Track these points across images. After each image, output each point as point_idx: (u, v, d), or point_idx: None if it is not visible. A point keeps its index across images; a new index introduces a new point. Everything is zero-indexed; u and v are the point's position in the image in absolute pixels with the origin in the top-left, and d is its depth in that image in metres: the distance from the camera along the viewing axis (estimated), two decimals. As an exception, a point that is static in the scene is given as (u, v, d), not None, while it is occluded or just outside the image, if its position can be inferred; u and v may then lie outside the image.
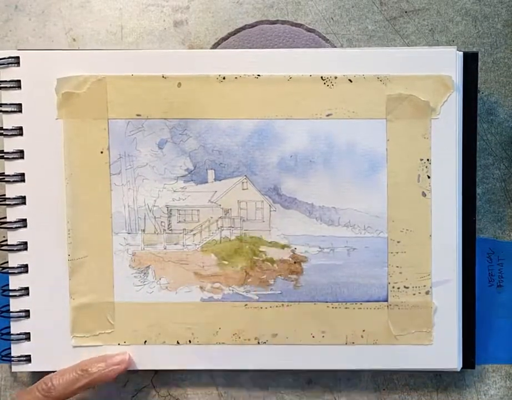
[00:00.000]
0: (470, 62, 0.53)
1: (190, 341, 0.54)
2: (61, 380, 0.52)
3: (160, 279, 0.54)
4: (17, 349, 0.54)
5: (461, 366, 0.54)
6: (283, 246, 0.54)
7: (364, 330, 0.53)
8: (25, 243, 0.54)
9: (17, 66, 0.53)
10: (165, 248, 0.54)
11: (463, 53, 0.52)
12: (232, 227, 0.54)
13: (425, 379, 0.56)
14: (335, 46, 0.55)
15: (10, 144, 0.53)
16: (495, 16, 0.56)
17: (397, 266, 0.53)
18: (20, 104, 0.53)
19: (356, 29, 0.56)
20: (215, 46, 0.56)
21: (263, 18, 0.56)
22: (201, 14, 0.56)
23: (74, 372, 0.52)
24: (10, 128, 0.53)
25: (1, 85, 0.53)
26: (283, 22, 0.56)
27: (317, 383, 0.56)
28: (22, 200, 0.54)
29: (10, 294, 0.54)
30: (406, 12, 0.56)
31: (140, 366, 0.54)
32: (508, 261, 0.56)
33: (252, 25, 0.56)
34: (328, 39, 0.56)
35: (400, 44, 0.55)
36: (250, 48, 0.55)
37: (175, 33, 0.56)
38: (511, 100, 0.56)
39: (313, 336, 0.54)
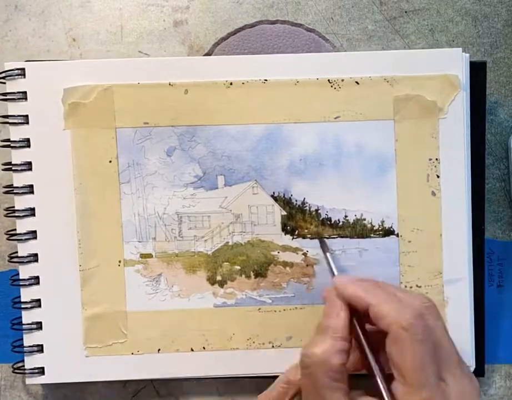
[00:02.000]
0: (479, 69, 0.53)
1: (204, 347, 0.54)
2: None
3: (172, 286, 0.54)
4: (30, 362, 0.54)
5: (475, 366, 0.54)
6: (295, 250, 0.54)
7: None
8: (36, 255, 0.54)
9: (23, 77, 0.53)
10: (176, 255, 0.54)
11: (472, 62, 0.53)
12: (244, 232, 0.54)
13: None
14: (335, 46, 0.56)
15: (18, 156, 0.53)
16: (495, 16, 0.56)
17: (409, 266, 0.53)
18: (27, 116, 0.53)
19: (356, 29, 0.56)
20: (215, 46, 0.56)
21: (263, 18, 0.56)
22: (201, 14, 0.56)
23: (280, 388, 0.50)
24: (18, 139, 0.53)
25: (8, 97, 0.53)
26: (283, 22, 0.56)
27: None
28: (31, 211, 0.53)
29: (22, 306, 0.54)
30: (406, 12, 0.56)
31: (154, 375, 0.54)
32: (508, 261, 0.56)
33: (252, 25, 0.56)
34: (328, 39, 0.56)
35: (400, 44, 0.56)
36: (250, 48, 0.55)
37: (175, 33, 0.56)
38: (511, 100, 0.56)
39: (327, 338, 0.54)
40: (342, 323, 0.45)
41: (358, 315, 0.46)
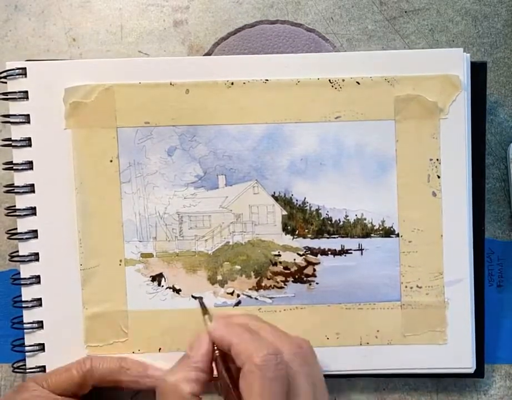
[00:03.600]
0: (479, 69, 0.53)
1: None
2: (102, 365, 0.52)
3: (173, 285, 0.54)
4: (31, 360, 0.54)
5: (475, 367, 0.54)
6: (295, 250, 0.54)
7: (378, 331, 0.54)
8: (37, 254, 0.54)
9: (24, 77, 0.53)
10: (177, 255, 0.54)
11: (472, 62, 0.53)
12: (244, 232, 0.54)
13: (425, 379, 0.56)
14: (335, 46, 0.56)
15: (19, 155, 0.53)
16: (495, 16, 0.56)
17: (409, 266, 0.53)
18: (28, 115, 0.53)
19: (356, 29, 0.56)
20: (215, 46, 0.56)
21: (263, 18, 0.56)
22: (201, 14, 0.56)
23: (118, 363, 0.52)
24: (19, 139, 0.53)
25: (9, 97, 0.53)
26: (283, 22, 0.56)
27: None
28: (32, 211, 0.53)
29: (23, 305, 0.54)
30: (406, 12, 0.56)
31: (155, 374, 0.54)
32: (508, 261, 0.56)
33: (252, 25, 0.56)
34: (328, 39, 0.56)
35: (400, 44, 0.56)
36: (250, 48, 0.55)
37: (175, 32, 0.56)
38: (511, 100, 0.56)
39: (328, 338, 0.54)
40: (200, 354, 0.47)
41: (225, 356, 0.47)
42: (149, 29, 0.56)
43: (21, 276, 0.54)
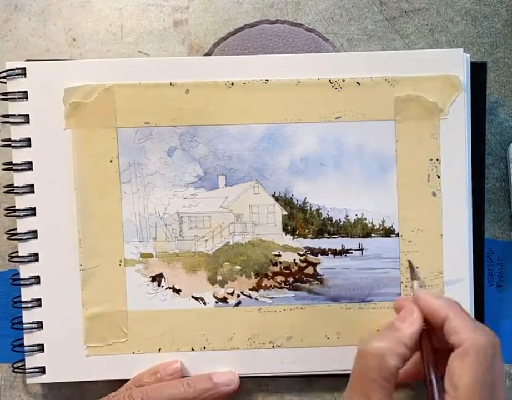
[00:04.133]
0: (479, 69, 0.53)
1: (204, 347, 0.54)
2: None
3: (173, 286, 0.54)
4: (31, 361, 0.54)
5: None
6: (295, 250, 0.54)
7: (378, 330, 0.54)
8: (36, 254, 0.53)
9: (24, 77, 0.53)
10: (177, 255, 0.54)
11: (472, 63, 0.53)
12: (244, 232, 0.54)
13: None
14: (335, 46, 0.56)
15: (18, 156, 0.53)
16: (495, 16, 0.56)
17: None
18: (27, 115, 0.53)
19: (356, 29, 0.56)
20: (215, 46, 0.56)
21: (263, 18, 0.56)
22: (201, 14, 0.56)
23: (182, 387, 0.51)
24: (18, 139, 0.53)
25: (9, 97, 0.53)
26: (283, 22, 0.56)
27: (317, 383, 0.56)
28: (32, 211, 0.53)
29: (23, 305, 0.54)
30: (406, 12, 0.56)
31: (155, 374, 0.54)
32: (508, 261, 0.56)
33: (252, 25, 0.56)
34: (328, 39, 0.56)
35: (400, 44, 0.56)
36: (250, 48, 0.55)
37: (175, 32, 0.56)
38: (511, 100, 0.56)
39: (328, 338, 0.54)
40: (411, 332, 0.45)
41: (427, 331, 0.47)
42: (149, 29, 0.56)
43: (21, 277, 0.54)
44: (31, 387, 0.56)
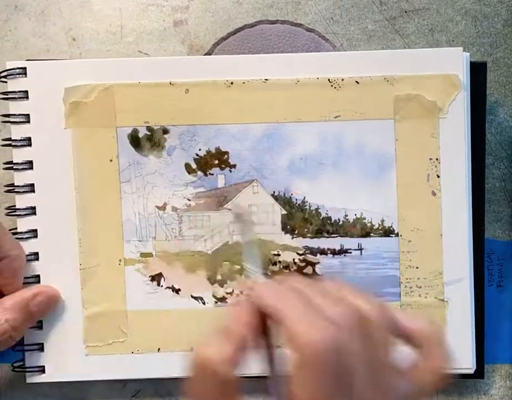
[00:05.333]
0: (479, 69, 0.53)
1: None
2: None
3: (172, 285, 0.54)
4: (31, 360, 0.54)
5: (475, 366, 0.53)
6: (295, 249, 0.54)
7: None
8: (36, 253, 0.54)
9: (24, 77, 0.53)
10: (176, 255, 0.54)
11: (472, 62, 0.53)
12: (244, 231, 0.54)
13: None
14: (335, 46, 0.56)
15: (19, 155, 0.53)
16: (495, 16, 0.56)
17: (409, 266, 0.53)
18: (28, 115, 0.53)
19: (356, 29, 0.56)
20: (215, 46, 0.56)
21: (263, 18, 0.56)
22: (201, 13, 0.56)
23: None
24: (19, 138, 0.53)
25: (9, 96, 0.53)
26: (283, 22, 0.56)
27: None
28: (32, 210, 0.53)
29: (23, 304, 0.54)
30: (406, 12, 0.56)
31: (154, 375, 0.54)
32: (508, 261, 0.56)
33: (252, 25, 0.56)
34: (328, 39, 0.56)
35: (400, 44, 0.56)
36: (250, 48, 0.55)
37: (174, 32, 0.56)
38: (511, 100, 0.56)
39: (327, 338, 0.54)
40: (246, 332, 0.38)
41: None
42: (149, 29, 0.56)
43: (21, 276, 0.54)
44: (32, 387, 0.56)
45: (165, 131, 0.53)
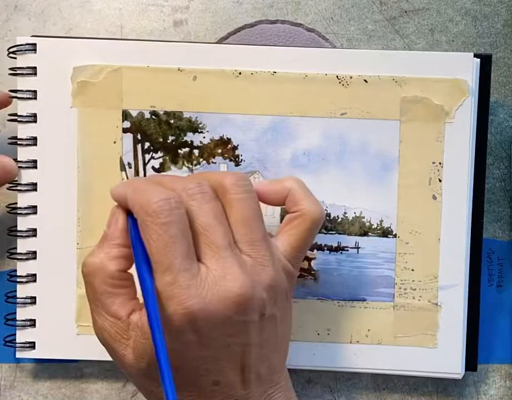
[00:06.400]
0: (484, 64, 0.53)
1: None
2: None
3: (168, 271, 0.54)
4: (22, 335, 0.54)
5: (464, 372, 0.53)
6: (292, 243, 0.54)
7: (369, 330, 0.53)
8: (35, 230, 0.54)
9: (34, 53, 0.53)
10: (174, 240, 0.54)
11: (477, 55, 0.53)
12: (243, 222, 0.54)
13: (425, 379, 0.56)
14: (335, 46, 0.56)
15: (24, 131, 0.53)
16: (495, 16, 0.56)
17: (404, 268, 0.53)
18: (35, 91, 0.53)
19: (356, 29, 0.56)
20: (214, 46, 0.56)
21: (263, 18, 0.56)
22: (201, 13, 0.57)
23: None
24: (25, 114, 0.53)
25: (18, 72, 0.53)
26: (283, 22, 0.56)
27: (317, 383, 0.56)
28: (33, 186, 0.54)
29: (18, 280, 0.54)
30: (406, 12, 0.56)
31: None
32: (508, 261, 0.56)
33: (252, 25, 0.56)
34: (328, 39, 0.56)
35: (400, 44, 0.56)
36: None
37: (174, 32, 0.56)
38: (511, 100, 0.56)
39: (318, 334, 0.54)
40: (118, 229, 0.43)
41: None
42: (149, 29, 0.57)
43: (18, 251, 0.54)
44: (31, 387, 0.57)
45: (170, 116, 0.53)
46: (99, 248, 0.44)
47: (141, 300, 0.42)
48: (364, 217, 0.53)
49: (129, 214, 0.43)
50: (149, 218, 0.40)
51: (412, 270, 0.53)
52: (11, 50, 0.53)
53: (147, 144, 0.54)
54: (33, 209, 0.54)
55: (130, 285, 0.44)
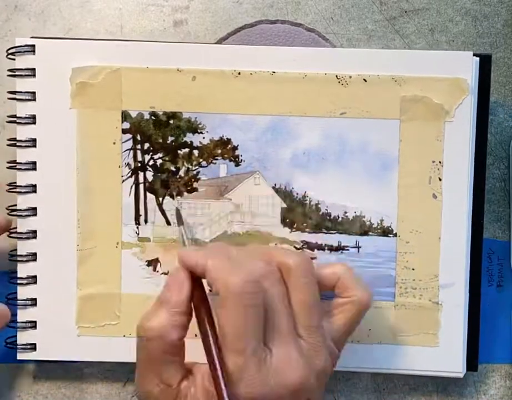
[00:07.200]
0: (484, 63, 0.53)
1: (196, 335, 0.54)
2: None
3: (167, 271, 0.54)
4: (23, 337, 0.54)
5: (465, 371, 0.54)
6: (293, 243, 0.54)
7: (369, 329, 0.53)
8: (35, 232, 0.54)
9: (32, 54, 0.53)
10: (174, 241, 0.54)
11: (477, 55, 0.53)
12: (243, 222, 0.54)
13: (425, 379, 0.56)
14: (335, 46, 0.56)
15: (23, 132, 0.53)
16: (495, 16, 0.56)
17: (405, 267, 0.53)
18: (34, 93, 0.53)
19: (356, 29, 0.56)
20: (214, 46, 0.56)
21: (263, 18, 0.56)
22: (201, 14, 0.56)
23: None
24: (24, 116, 0.53)
25: (17, 73, 0.53)
26: (283, 22, 0.56)
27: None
28: (33, 188, 0.54)
29: (18, 281, 0.54)
30: (406, 12, 0.56)
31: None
32: (508, 261, 0.56)
33: (252, 25, 0.56)
34: (328, 39, 0.56)
35: (400, 44, 0.56)
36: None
37: (174, 32, 0.56)
38: (511, 100, 0.56)
39: (320, 334, 0.54)
40: (183, 297, 0.45)
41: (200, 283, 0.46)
42: (149, 29, 0.56)
43: (18, 253, 0.54)
44: (31, 387, 0.57)
45: (170, 117, 0.53)
46: (158, 312, 0.44)
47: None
48: (364, 216, 0.53)
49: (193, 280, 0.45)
50: (231, 297, 0.41)
51: (413, 269, 0.53)
52: (10, 51, 0.53)
53: (146, 145, 0.54)
54: (33, 211, 0.54)
55: (184, 353, 0.45)
